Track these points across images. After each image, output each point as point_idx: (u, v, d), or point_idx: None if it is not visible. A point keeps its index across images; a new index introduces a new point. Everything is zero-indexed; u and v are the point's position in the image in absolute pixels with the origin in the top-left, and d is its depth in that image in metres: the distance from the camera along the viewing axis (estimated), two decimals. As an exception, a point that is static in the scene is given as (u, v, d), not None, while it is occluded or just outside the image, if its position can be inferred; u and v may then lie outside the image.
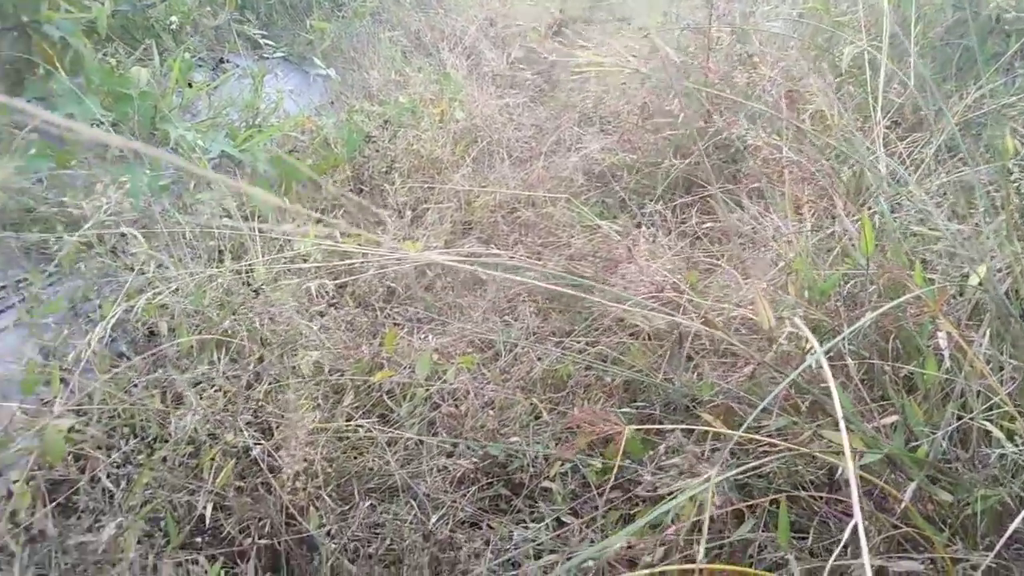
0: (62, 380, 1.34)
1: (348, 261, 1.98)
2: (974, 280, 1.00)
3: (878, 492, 0.95)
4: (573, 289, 1.62)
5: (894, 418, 1.00)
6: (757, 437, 0.97)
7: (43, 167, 1.71)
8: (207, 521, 1.25)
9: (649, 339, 1.47)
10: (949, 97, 1.89)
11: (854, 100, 1.89)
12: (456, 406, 1.53)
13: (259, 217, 2.05)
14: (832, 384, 0.64)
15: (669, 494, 0.89)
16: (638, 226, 1.91)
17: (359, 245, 1.50)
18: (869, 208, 1.31)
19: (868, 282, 1.10)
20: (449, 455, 1.37)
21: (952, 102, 1.73)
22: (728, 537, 1.00)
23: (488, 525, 1.37)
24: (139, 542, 1.22)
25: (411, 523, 1.29)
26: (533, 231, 2.26)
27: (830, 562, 0.68)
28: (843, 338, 0.92)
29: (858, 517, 0.54)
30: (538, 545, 1.28)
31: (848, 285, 1.22)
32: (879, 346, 1.22)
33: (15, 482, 1.19)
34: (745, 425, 0.95)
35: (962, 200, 1.33)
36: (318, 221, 2.25)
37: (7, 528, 1.06)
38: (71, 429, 1.16)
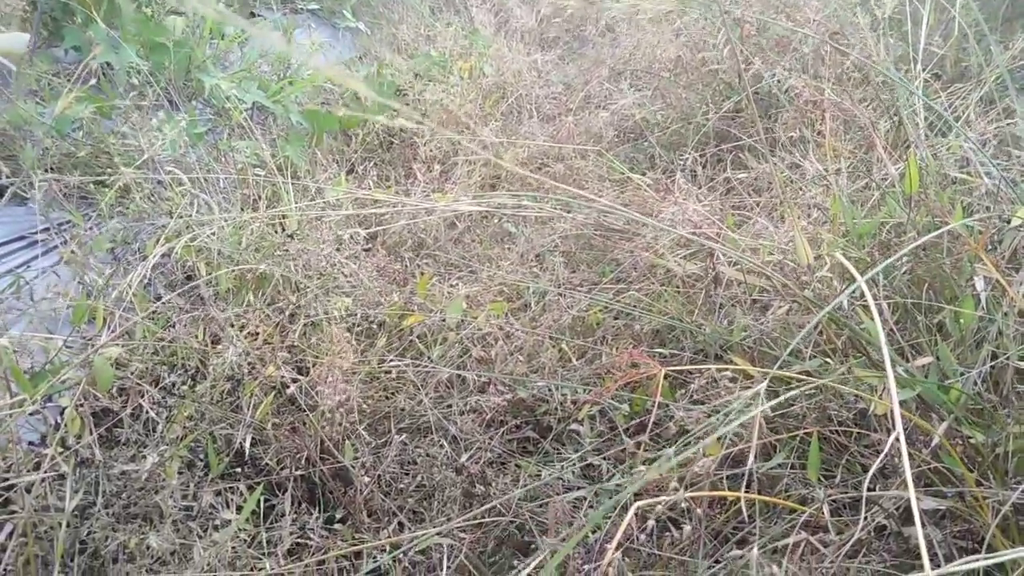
0: (105, 317, 1.38)
1: (379, 210, 2.00)
2: (1016, 221, 0.99)
3: (910, 429, 0.95)
4: (607, 232, 1.62)
5: (927, 359, 1.00)
6: (788, 375, 0.97)
7: (84, 113, 1.74)
8: (246, 453, 1.29)
9: (681, 286, 1.47)
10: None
11: (895, 52, 1.85)
12: (486, 351, 1.55)
13: (291, 166, 2.07)
14: (872, 304, 0.64)
15: (715, 411, 0.90)
16: (669, 178, 1.90)
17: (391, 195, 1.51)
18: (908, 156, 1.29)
19: (909, 225, 1.09)
20: (481, 391, 1.40)
21: (997, 53, 1.69)
22: (757, 471, 1.02)
23: (516, 465, 1.40)
24: (180, 471, 1.27)
25: (443, 460, 1.32)
26: (563, 185, 2.25)
27: (866, 483, 0.69)
28: (883, 267, 0.91)
29: (899, 429, 0.55)
30: (566, 484, 1.31)
31: (885, 231, 1.21)
32: (913, 293, 1.22)
33: (64, 409, 1.24)
34: (779, 362, 0.96)
35: (1005, 148, 1.30)
36: (349, 172, 2.26)
37: (58, 452, 1.11)
38: (117, 361, 1.20)
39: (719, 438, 1.04)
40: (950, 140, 1.37)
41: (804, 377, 0.92)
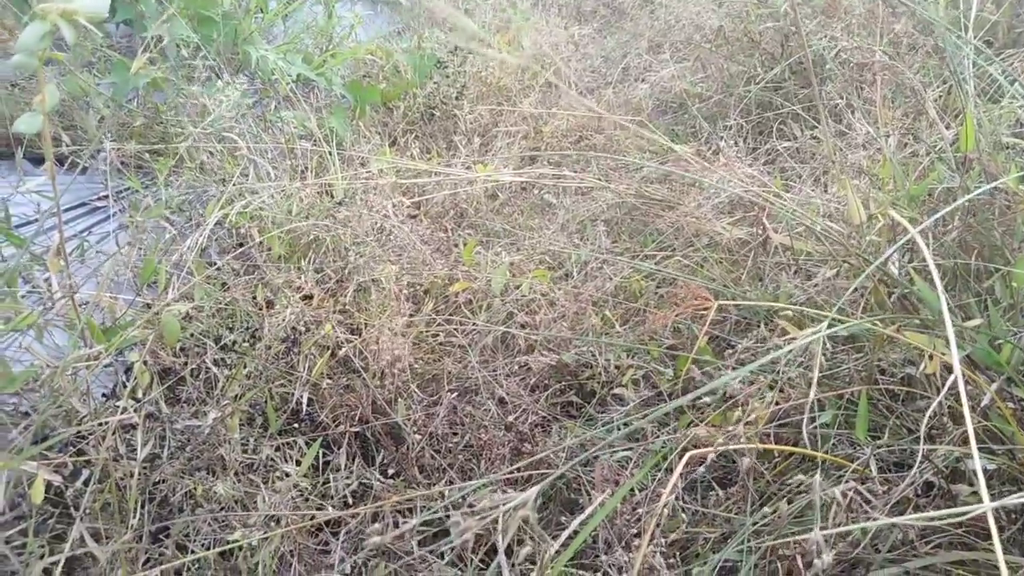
0: (166, 280, 1.44)
1: (422, 181, 2.03)
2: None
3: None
4: (648, 202, 1.63)
5: (978, 321, 1.01)
6: (838, 327, 0.98)
7: (139, 85, 1.79)
8: (303, 410, 1.35)
9: (726, 253, 1.48)
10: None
11: (946, 18, 1.82)
12: (530, 317, 1.58)
13: (336, 137, 2.11)
14: (929, 258, 0.65)
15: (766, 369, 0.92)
16: (711, 149, 1.90)
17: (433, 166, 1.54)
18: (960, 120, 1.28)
19: (960, 190, 1.08)
20: (529, 350, 1.43)
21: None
22: (801, 429, 1.03)
23: (562, 427, 1.43)
24: (240, 427, 1.32)
25: (491, 420, 1.36)
26: (602, 156, 2.26)
27: (923, 434, 0.70)
28: (938, 217, 0.92)
29: (957, 373, 0.56)
30: (611, 446, 1.34)
31: (935, 196, 1.21)
32: (962, 259, 1.22)
33: (129, 365, 1.30)
34: (828, 320, 0.97)
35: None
36: (392, 144, 2.29)
37: (129, 403, 1.16)
38: (185, 317, 1.25)
39: (763, 393, 1.06)
40: (1003, 105, 1.36)
41: (860, 325, 0.93)
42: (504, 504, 0.57)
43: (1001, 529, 0.96)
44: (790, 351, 0.77)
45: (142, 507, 1.19)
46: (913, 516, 0.60)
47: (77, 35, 0.81)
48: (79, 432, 1.16)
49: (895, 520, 0.60)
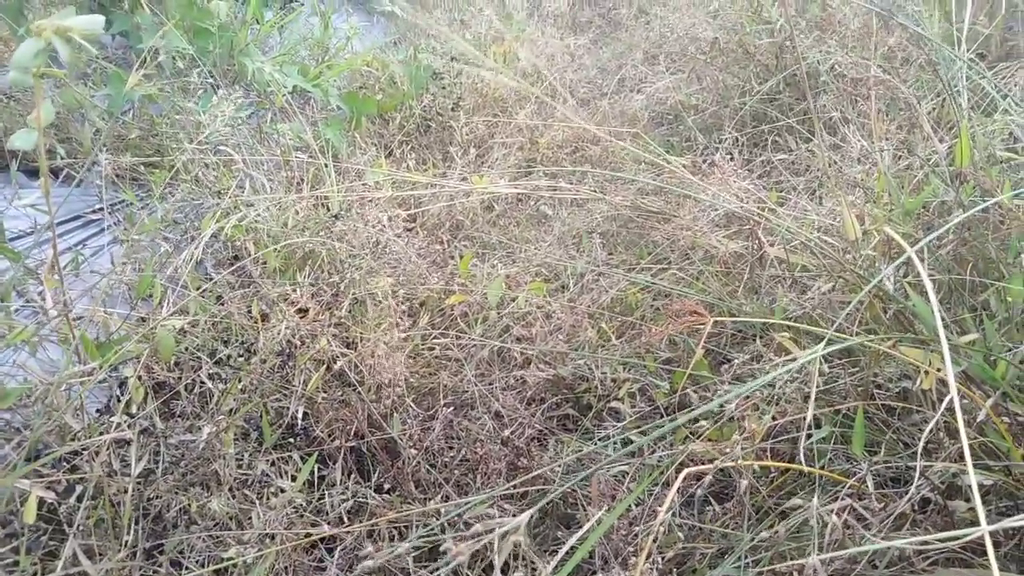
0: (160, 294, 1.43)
1: (417, 192, 2.03)
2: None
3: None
4: (644, 214, 1.63)
5: (974, 336, 1.01)
6: (835, 346, 0.98)
7: (133, 97, 1.79)
8: (298, 425, 1.34)
9: (722, 266, 1.48)
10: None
11: (940, 31, 1.83)
12: (526, 330, 1.58)
13: (332, 149, 2.11)
14: (924, 275, 0.65)
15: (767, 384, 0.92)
16: (706, 160, 1.91)
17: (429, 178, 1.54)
18: (954, 134, 1.28)
19: (955, 204, 1.09)
20: (525, 364, 1.43)
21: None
22: (798, 444, 1.03)
23: (558, 441, 1.43)
24: (235, 441, 1.32)
25: (487, 434, 1.35)
26: (598, 168, 2.26)
27: (919, 450, 0.70)
28: (933, 237, 0.92)
29: (953, 394, 0.56)
30: (607, 460, 1.33)
31: (930, 210, 1.22)
32: (957, 273, 1.22)
33: (124, 380, 1.29)
34: (826, 339, 0.97)
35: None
36: (388, 155, 2.29)
37: (124, 419, 1.16)
38: (180, 331, 1.24)
39: (761, 409, 1.06)
40: (996, 118, 1.36)
41: (853, 343, 0.93)
42: (498, 526, 0.56)
43: (998, 545, 0.96)
44: (788, 371, 0.77)
45: (136, 523, 1.19)
46: (912, 539, 0.60)
47: (72, 52, 0.81)
48: (73, 448, 1.15)
49: (893, 544, 0.59)
